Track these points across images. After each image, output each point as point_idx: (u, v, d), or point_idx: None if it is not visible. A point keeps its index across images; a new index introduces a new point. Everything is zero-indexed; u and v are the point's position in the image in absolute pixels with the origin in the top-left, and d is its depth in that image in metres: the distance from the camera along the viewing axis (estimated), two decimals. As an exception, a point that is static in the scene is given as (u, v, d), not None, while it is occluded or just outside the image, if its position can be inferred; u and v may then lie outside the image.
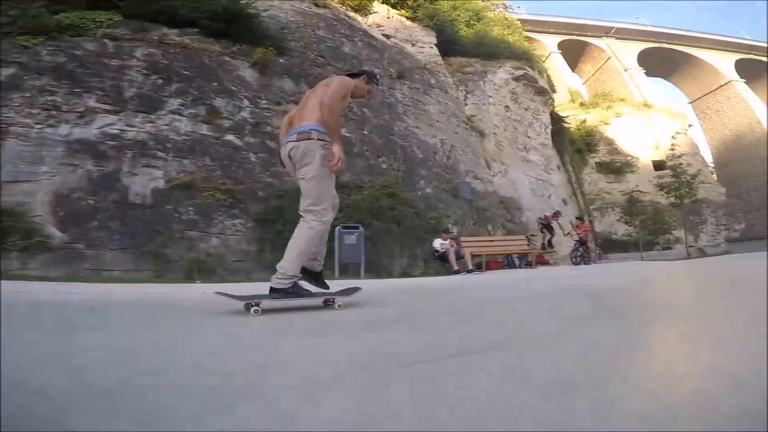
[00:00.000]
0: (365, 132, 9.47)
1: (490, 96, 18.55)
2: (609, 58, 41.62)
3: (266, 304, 2.15)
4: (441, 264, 7.33)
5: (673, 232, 24.61)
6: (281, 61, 9.03)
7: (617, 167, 26.26)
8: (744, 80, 38.53)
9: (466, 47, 18.86)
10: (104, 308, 2.50)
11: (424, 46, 17.64)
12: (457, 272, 6.78)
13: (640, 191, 25.55)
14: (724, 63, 39.74)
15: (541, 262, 9.49)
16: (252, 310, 2.04)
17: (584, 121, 28.98)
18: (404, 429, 0.68)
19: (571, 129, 27.98)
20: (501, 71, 20.13)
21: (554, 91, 25.42)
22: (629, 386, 0.89)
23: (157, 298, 2.95)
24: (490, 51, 19.50)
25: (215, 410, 0.75)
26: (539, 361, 1.15)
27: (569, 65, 45.06)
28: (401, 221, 7.68)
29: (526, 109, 20.94)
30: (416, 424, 0.70)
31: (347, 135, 9.29)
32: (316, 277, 2.44)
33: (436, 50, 17.70)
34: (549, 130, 21.94)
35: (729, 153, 38.02)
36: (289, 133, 2.40)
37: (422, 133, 12.06)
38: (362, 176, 8.22)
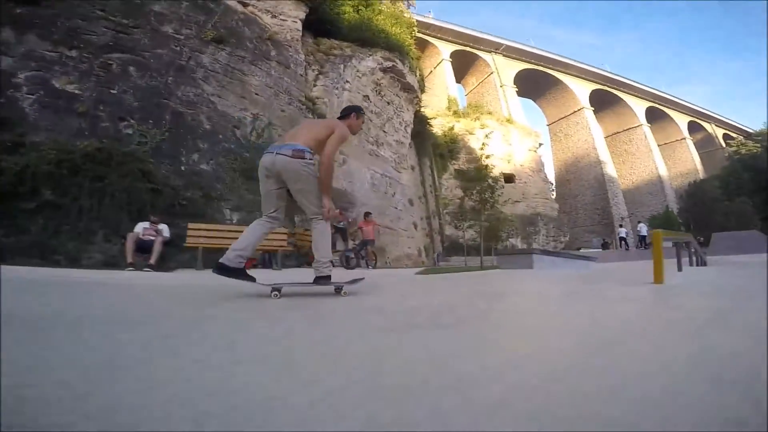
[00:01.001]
0: (112, 91, 7.54)
1: (347, 81, 17.65)
2: (491, 72, 44.44)
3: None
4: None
5: (510, 239, 27.27)
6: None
7: (473, 176, 27.89)
8: (593, 108, 44.53)
9: (343, 30, 17.79)
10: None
11: (286, 19, 16.01)
12: (131, 266, 5.20)
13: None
14: (582, 91, 45.41)
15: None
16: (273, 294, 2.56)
17: (452, 128, 30.33)
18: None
19: (438, 133, 29.06)
20: (370, 59, 19.42)
21: (423, 91, 25.69)
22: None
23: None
24: (366, 38, 18.74)
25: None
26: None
27: (458, 75, 47.34)
28: (112, 197, 6.03)
29: (388, 103, 20.61)
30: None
31: (75, 92, 7.24)
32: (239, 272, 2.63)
33: (299, 25, 16.26)
34: (410, 129, 22.02)
35: (568, 173, 43.83)
36: (281, 145, 2.65)
37: (225, 104, 10.45)
38: (73, 139, 6.35)
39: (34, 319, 1.69)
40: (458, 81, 49.62)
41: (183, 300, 2.66)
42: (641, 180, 44.13)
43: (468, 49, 44.60)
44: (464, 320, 1.93)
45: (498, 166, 30.65)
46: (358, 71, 18.43)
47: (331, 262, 2.79)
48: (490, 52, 44.85)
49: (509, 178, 30.11)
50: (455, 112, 34.44)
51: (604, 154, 41.20)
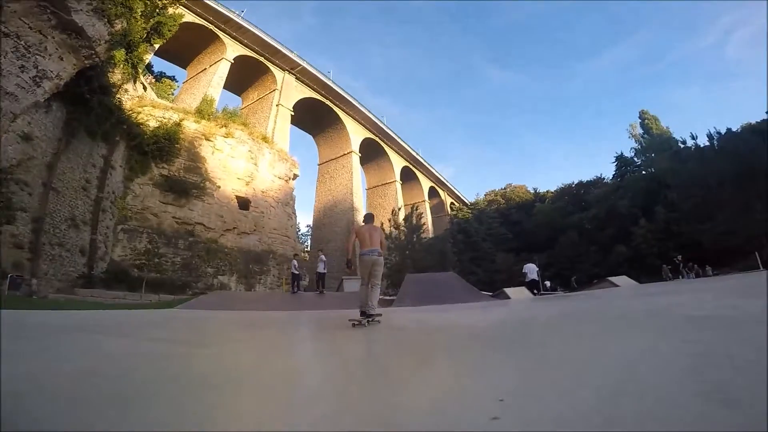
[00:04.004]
0: None
1: None
2: (275, 90, 39.84)
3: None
4: None
5: (220, 276, 21.26)
6: None
7: (186, 188, 21.10)
8: (360, 155, 45.06)
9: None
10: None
11: None
12: None
13: (203, 224, 21.28)
14: (356, 137, 45.51)
15: None
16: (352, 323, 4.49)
17: (178, 123, 23.00)
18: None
19: (148, 123, 21.33)
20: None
21: (121, 45, 18.01)
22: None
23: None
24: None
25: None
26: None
27: (241, 86, 40.88)
28: None
29: (7, 35, 12.34)
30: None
31: None
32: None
33: None
34: (49, 85, 13.85)
35: (326, 217, 42.25)
36: (371, 249, 5.03)
37: None
38: None
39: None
40: (239, 93, 43.35)
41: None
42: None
43: (262, 60, 39.02)
44: None
45: (233, 186, 24.91)
46: None
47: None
48: (284, 70, 40.48)
49: (243, 203, 24.66)
50: (199, 112, 27.40)
51: (358, 201, 41.42)
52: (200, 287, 18.36)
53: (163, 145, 20.87)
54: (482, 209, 50.20)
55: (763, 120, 30.15)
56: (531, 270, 14.66)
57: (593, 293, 9.78)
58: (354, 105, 44.89)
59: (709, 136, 19.43)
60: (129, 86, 22.62)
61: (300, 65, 40.49)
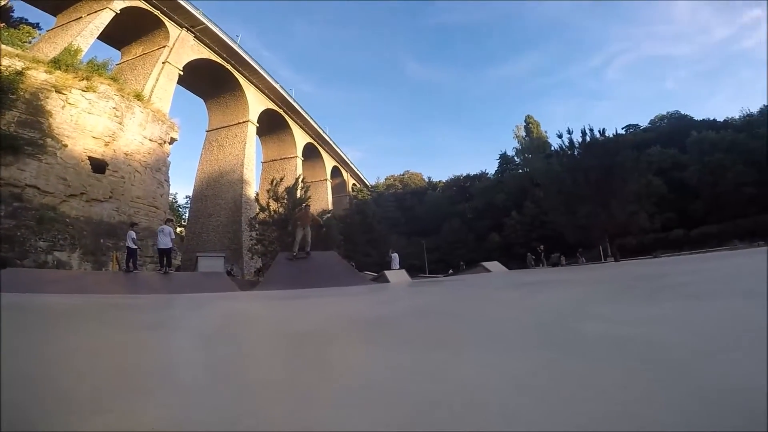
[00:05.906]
0: None
1: None
2: (164, 47, 35.43)
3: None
4: None
5: (56, 252, 19.19)
6: None
7: (15, 145, 18.34)
8: (258, 125, 42.74)
9: None
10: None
11: None
12: None
13: (37, 188, 18.84)
14: (257, 106, 42.75)
15: None
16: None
17: (20, 72, 19.70)
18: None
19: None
20: None
21: None
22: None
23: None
24: None
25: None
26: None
27: (124, 39, 35.30)
28: None
29: None
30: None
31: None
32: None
33: None
34: None
35: (209, 188, 39.29)
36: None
37: None
38: None
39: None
40: (119, 47, 37.46)
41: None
42: (284, 210, 45.64)
43: (158, 14, 33.99)
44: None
45: (84, 145, 22.20)
46: None
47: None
48: (182, 27, 35.96)
49: (98, 166, 22.18)
50: (56, 62, 23.63)
51: (250, 173, 39.59)
52: (27, 265, 16.31)
53: (-10, 94, 17.76)
54: (381, 192, 51.80)
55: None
56: (395, 259, 16.35)
57: (466, 279, 9.88)
58: (259, 73, 42.20)
59: (583, 132, 21.68)
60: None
61: (203, 24, 36.58)
